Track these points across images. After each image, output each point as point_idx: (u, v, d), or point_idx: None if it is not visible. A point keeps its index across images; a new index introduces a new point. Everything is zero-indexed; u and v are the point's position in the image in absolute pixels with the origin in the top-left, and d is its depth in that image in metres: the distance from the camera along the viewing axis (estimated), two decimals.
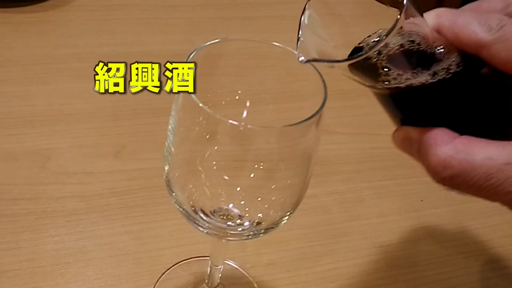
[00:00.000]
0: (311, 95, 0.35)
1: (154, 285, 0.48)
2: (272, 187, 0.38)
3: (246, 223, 0.39)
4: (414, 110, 0.33)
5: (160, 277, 0.48)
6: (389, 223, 0.57)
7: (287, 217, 0.37)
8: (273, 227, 0.37)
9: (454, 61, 0.31)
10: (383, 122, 0.68)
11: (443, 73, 0.30)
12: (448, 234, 0.58)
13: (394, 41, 0.30)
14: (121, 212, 0.52)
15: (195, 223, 0.37)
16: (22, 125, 0.58)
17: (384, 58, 0.30)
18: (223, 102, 0.38)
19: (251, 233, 0.38)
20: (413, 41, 0.30)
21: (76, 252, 0.49)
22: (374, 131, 0.67)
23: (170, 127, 0.35)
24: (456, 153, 0.29)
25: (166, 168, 0.36)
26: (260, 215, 0.38)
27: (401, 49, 0.30)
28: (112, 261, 0.49)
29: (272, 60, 0.36)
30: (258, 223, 0.38)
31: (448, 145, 0.30)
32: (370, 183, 0.61)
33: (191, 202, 0.38)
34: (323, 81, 0.34)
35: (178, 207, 0.37)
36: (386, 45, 0.29)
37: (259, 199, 0.39)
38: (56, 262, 0.48)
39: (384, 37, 0.28)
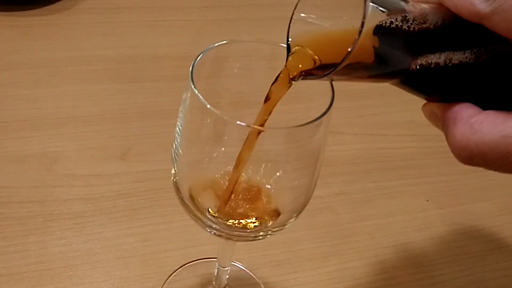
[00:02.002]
0: (318, 96, 0.35)
1: (161, 287, 0.48)
2: (280, 188, 0.38)
3: (253, 224, 0.39)
4: (436, 89, 0.32)
5: (167, 279, 0.49)
6: (396, 223, 0.57)
7: (294, 218, 0.37)
8: (280, 228, 0.37)
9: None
10: (390, 123, 0.68)
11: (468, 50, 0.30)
12: (455, 235, 0.57)
13: (431, 19, 0.29)
14: (128, 214, 0.53)
15: (202, 224, 0.37)
16: (29, 128, 0.58)
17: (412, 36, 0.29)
18: (231, 104, 0.38)
19: (259, 234, 0.38)
20: (435, 21, 0.29)
21: (84, 255, 0.49)
22: (381, 132, 0.67)
23: (177, 128, 0.35)
24: (472, 133, 0.29)
25: (174, 170, 0.36)
26: (267, 216, 0.38)
27: (425, 27, 0.29)
28: (119, 263, 0.49)
29: (279, 61, 0.36)
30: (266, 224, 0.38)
31: (465, 125, 0.29)
32: (377, 183, 0.61)
33: (199, 204, 0.38)
34: (331, 82, 0.34)
35: (185, 209, 0.37)
36: (415, 22, 0.29)
37: (266, 200, 0.39)
38: (63, 265, 0.48)
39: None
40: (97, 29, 0.74)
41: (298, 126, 0.31)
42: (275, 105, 0.33)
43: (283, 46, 0.34)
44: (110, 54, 0.70)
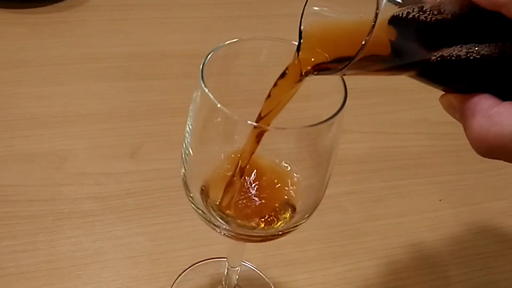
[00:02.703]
0: (328, 94, 0.34)
1: (171, 287, 0.48)
2: (291, 187, 0.37)
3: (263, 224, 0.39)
4: (454, 80, 0.32)
5: (176, 279, 0.48)
6: (408, 223, 0.56)
7: (305, 219, 0.37)
8: (291, 229, 0.37)
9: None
10: (400, 121, 0.68)
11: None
12: (467, 235, 0.57)
13: (446, 8, 0.29)
14: (137, 213, 0.52)
15: (212, 224, 0.37)
16: (38, 126, 0.58)
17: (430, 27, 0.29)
18: (241, 102, 0.37)
19: (269, 234, 0.38)
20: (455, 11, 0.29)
21: (93, 254, 0.49)
22: (391, 130, 0.66)
23: (187, 128, 0.35)
24: (491, 125, 0.28)
25: (184, 169, 0.36)
26: (278, 216, 0.38)
27: (443, 16, 0.29)
28: (129, 262, 0.49)
29: (290, 58, 0.36)
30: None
31: (484, 117, 0.29)
32: (388, 182, 0.60)
33: (208, 203, 0.37)
34: (343, 79, 0.33)
35: (195, 208, 0.37)
36: (434, 11, 0.28)
37: (277, 199, 0.38)
38: (73, 264, 0.48)
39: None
40: (106, 26, 0.73)
41: (310, 126, 0.31)
42: (287, 102, 0.33)
43: (293, 44, 0.33)
44: (119, 52, 0.70)
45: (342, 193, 0.58)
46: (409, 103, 0.70)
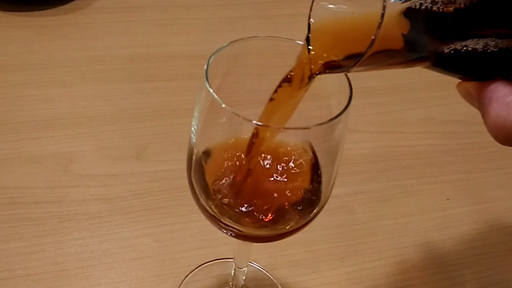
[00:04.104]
0: (334, 93, 0.34)
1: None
2: (298, 187, 0.37)
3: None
4: (470, 70, 0.31)
5: (183, 280, 0.48)
6: (415, 223, 0.56)
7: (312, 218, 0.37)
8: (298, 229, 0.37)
9: None
10: (406, 120, 0.67)
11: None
12: (475, 234, 0.56)
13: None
14: (144, 214, 0.52)
15: (219, 225, 0.37)
16: (44, 128, 0.59)
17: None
18: (246, 102, 0.37)
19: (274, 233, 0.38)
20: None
21: (100, 255, 0.49)
22: (397, 129, 0.66)
23: (193, 128, 0.35)
24: (508, 113, 0.28)
25: (190, 169, 0.36)
26: (285, 216, 0.37)
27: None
28: (136, 263, 0.49)
29: (295, 58, 0.36)
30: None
31: (501, 105, 0.28)
32: (395, 182, 0.60)
33: (215, 204, 0.37)
34: (348, 78, 0.33)
35: (201, 209, 0.37)
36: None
37: (284, 200, 0.38)
38: (80, 265, 0.48)
39: None
40: (110, 28, 0.74)
41: (316, 125, 0.31)
42: (299, 102, 0.33)
43: (298, 43, 0.33)
44: (124, 54, 0.70)
45: (349, 193, 0.58)
46: (415, 102, 0.70)
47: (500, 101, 0.28)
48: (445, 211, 0.58)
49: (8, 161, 0.55)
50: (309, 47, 0.31)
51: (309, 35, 0.31)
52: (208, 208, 0.36)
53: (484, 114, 0.29)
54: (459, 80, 0.32)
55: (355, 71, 0.30)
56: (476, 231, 0.57)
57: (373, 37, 0.25)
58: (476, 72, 0.31)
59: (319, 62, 0.31)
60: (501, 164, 0.63)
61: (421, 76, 0.72)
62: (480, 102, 0.30)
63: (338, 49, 0.31)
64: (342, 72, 0.30)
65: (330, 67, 0.31)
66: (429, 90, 0.71)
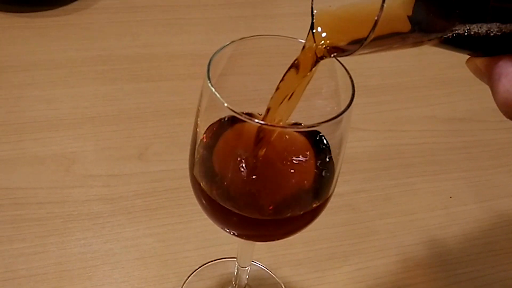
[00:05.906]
0: (336, 92, 0.34)
1: (181, 287, 0.48)
2: (300, 186, 0.37)
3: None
4: (479, 47, 0.31)
5: (186, 279, 0.48)
6: (418, 221, 0.56)
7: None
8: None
9: None
10: (409, 118, 0.67)
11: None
12: (478, 232, 0.56)
13: None
14: (146, 214, 0.52)
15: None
16: (47, 129, 0.59)
17: None
18: (248, 101, 0.37)
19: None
20: None
21: (103, 255, 0.49)
22: (400, 127, 0.66)
23: (195, 128, 0.35)
24: None
25: (194, 168, 0.36)
26: (288, 214, 0.37)
27: None
28: (139, 263, 0.49)
29: (297, 56, 0.36)
30: None
31: (510, 81, 0.28)
32: (398, 180, 0.60)
33: (218, 203, 0.37)
34: (350, 76, 0.33)
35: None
36: None
37: (288, 198, 0.38)
38: (83, 266, 0.48)
39: None
40: (112, 28, 0.74)
41: (318, 123, 0.31)
42: (301, 93, 0.32)
43: (300, 42, 0.33)
44: (126, 54, 0.70)
45: (352, 192, 0.58)
46: (417, 100, 0.70)
47: (509, 76, 0.28)
48: (448, 209, 0.58)
49: (11, 162, 0.55)
50: (313, 31, 0.31)
51: (313, 21, 0.31)
52: (209, 193, 0.35)
53: (493, 90, 0.29)
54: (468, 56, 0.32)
55: (361, 54, 0.29)
56: (479, 229, 0.57)
57: (376, 18, 0.25)
58: (485, 48, 0.30)
59: (324, 46, 0.31)
60: (504, 162, 0.63)
61: (423, 74, 0.72)
62: (489, 78, 0.29)
63: (342, 33, 0.31)
64: (347, 55, 0.30)
65: (334, 51, 0.31)
66: (432, 88, 0.71)
